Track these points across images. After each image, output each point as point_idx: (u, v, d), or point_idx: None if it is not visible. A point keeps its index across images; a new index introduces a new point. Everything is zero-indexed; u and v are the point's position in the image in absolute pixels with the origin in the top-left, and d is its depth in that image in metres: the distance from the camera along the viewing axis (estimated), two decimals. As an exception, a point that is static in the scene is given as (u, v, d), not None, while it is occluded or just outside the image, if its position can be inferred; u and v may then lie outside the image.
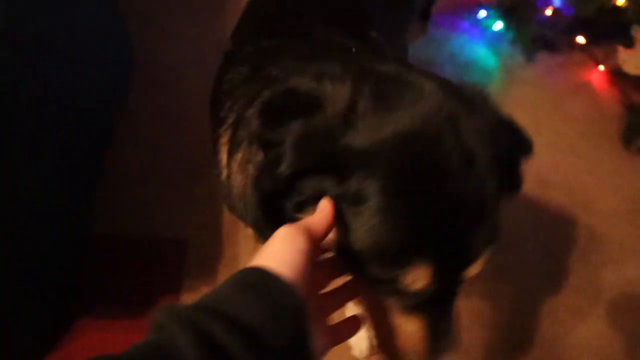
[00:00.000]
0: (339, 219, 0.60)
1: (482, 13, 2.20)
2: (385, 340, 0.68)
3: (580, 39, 2.07)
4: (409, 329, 0.65)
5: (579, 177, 1.80)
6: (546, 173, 1.79)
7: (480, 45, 2.17)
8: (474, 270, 0.62)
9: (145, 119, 1.85)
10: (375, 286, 0.64)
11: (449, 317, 0.66)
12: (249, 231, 1.11)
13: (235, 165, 0.84)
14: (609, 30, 1.98)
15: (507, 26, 2.13)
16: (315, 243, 0.57)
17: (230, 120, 0.88)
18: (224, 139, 0.90)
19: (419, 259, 0.58)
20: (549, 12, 2.02)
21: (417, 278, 0.59)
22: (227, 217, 1.66)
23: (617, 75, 1.98)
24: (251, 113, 0.80)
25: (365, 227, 0.58)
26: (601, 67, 2.06)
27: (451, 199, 0.58)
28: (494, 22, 2.16)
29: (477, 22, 2.22)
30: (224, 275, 1.58)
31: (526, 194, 1.76)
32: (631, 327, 1.55)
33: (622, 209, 1.77)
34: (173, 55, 2.02)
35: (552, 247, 1.68)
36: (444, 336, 0.66)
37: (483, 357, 1.50)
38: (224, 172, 0.90)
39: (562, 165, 1.82)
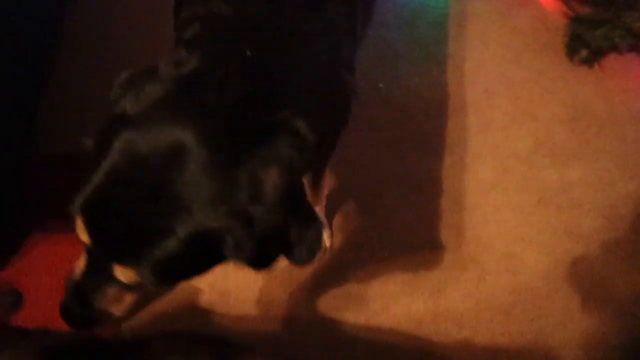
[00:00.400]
0: None
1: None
2: None
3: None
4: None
5: (524, 86, 1.85)
6: (492, 82, 1.84)
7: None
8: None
9: (85, 45, 1.83)
10: None
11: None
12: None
13: None
14: (554, -59, 1.99)
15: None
16: None
17: None
18: None
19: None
20: None
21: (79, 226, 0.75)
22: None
23: (562, -15, 2.01)
24: None
25: None
26: (547, -21, 2.09)
27: None
28: None
29: None
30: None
31: (473, 102, 1.81)
32: (571, 222, 1.64)
33: (564, 116, 1.84)
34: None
35: (499, 149, 1.75)
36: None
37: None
38: None
39: (508, 75, 1.87)
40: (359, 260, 1.59)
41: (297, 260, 0.80)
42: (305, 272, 1.54)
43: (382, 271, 1.57)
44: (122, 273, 0.73)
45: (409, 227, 1.62)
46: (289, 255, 0.79)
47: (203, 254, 0.73)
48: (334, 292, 1.55)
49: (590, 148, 1.76)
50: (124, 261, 0.71)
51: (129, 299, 0.83)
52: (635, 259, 1.59)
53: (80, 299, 0.81)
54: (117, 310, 0.83)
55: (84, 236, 0.74)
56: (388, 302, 1.53)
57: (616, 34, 1.89)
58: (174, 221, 0.67)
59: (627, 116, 1.85)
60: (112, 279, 0.75)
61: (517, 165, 1.72)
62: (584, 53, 1.93)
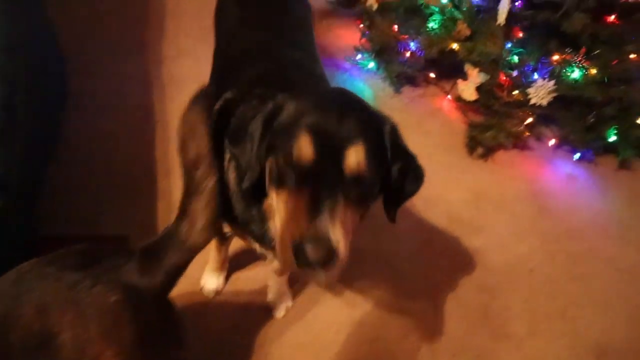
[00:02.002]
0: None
1: (359, 56, 2.78)
2: (279, 224, 0.98)
3: (432, 75, 2.70)
4: (297, 205, 0.93)
5: (436, 176, 2.30)
6: (412, 173, 2.33)
7: (358, 81, 2.74)
8: (351, 157, 0.94)
9: (82, 141, 2.17)
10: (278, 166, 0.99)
11: (338, 205, 0.93)
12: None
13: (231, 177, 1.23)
14: (451, 68, 2.61)
15: (378, 66, 2.72)
16: None
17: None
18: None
19: (304, 133, 0.96)
20: (407, 54, 2.62)
21: (303, 146, 0.94)
22: (162, 214, 2.00)
23: (459, 101, 2.61)
24: None
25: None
26: (449, 96, 2.69)
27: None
28: (368, 62, 2.74)
29: (355, 63, 2.79)
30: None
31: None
32: (479, 277, 2.07)
33: (469, 198, 2.34)
34: (105, 88, 2.38)
35: (421, 227, 2.19)
36: (326, 215, 0.90)
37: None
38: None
39: (423, 167, 2.37)
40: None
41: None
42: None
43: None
44: (355, 153, 0.94)
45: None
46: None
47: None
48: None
49: (490, 221, 2.25)
50: (356, 141, 0.95)
51: (349, 223, 0.96)
52: (532, 303, 2.02)
53: (319, 239, 0.88)
54: (348, 237, 0.94)
55: (307, 151, 0.93)
56: None
57: (502, 135, 2.46)
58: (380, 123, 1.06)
59: (515, 196, 2.38)
60: (333, 208, 0.91)
61: (437, 236, 2.16)
62: (480, 150, 2.49)
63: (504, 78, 2.42)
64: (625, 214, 2.43)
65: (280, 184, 1.00)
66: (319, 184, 0.93)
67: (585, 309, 2.03)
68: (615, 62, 2.32)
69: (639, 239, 2.33)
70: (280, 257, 0.97)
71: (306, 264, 0.90)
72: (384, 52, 2.68)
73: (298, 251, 0.90)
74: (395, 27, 2.64)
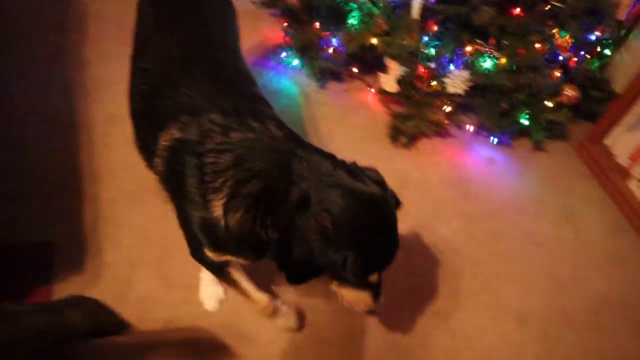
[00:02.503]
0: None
1: (284, 54, 2.83)
2: (350, 303, 1.46)
3: (355, 69, 2.79)
4: (366, 297, 1.42)
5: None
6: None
7: (285, 78, 2.80)
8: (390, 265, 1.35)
9: (6, 148, 2.14)
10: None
11: (381, 289, 1.45)
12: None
13: (233, 220, 1.28)
14: (372, 62, 2.71)
15: (302, 62, 2.78)
16: None
17: (225, 191, 1.27)
18: (220, 202, 1.28)
19: (375, 272, 1.35)
20: (330, 50, 2.70)
21: (374, 277, 1.37)
22: (88, 219, 1.98)
23: (382, 93, 2.71)
24: (248, 191, 1.26)
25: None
26: (372, 89, 2.79)
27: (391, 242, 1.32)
28: (293, 60, 2.80)
29: (281, 61, 2.84)
30: (92, 265, 1.88)
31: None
32: (406, 261, 2.17)
33: (394, 184, 2.40)
34: (27, 95, 2.32)
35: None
36: (379, 298, 1.46)
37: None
38: (221, 221, 1.29)
39: (350, 159, 2.45)
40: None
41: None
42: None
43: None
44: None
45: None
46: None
47: None
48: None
49: (415, 206, 2.35)
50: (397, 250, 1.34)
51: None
52: (456, 280, 2.13)
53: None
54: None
55: (375, 278, 1.39)
56: None
57: (423, 124, 2.58)
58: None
59: (438, 181, 2.50)
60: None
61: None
62: (403, 139, 2.60)
63: (423, 70, 2.54)
64: (540, 191, 2.61)
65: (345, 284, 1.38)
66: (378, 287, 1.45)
67: (505, 281, 2.17)
68: (522, 51, 2.47)
69: (554, 214, 2.50)
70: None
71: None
72: (307, 49, 2.74)
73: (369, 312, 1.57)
74: (317, 24, 2.71)
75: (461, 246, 2.26)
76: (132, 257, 1.95)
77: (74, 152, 2.18)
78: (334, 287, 1.41)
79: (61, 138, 2.24)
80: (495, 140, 2.74)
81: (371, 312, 1.52)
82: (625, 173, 2.68)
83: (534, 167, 2.74)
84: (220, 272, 1.65)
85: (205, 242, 1.40)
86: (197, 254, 1.51)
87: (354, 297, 1.43)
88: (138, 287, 1.87)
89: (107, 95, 2.46)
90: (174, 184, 1.41)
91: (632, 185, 2.60)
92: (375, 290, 1.44)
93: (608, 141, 2.82)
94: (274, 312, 1.75)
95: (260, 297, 1.70)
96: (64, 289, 1.79)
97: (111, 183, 2.15)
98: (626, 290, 2.27)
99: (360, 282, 1.37)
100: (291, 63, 2.80)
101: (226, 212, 1.28)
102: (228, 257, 1.48)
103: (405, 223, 2.23)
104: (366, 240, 1.25)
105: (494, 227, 2.38)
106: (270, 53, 2.88)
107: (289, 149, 1.30)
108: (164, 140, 1.38)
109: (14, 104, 2.30)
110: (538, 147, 2.83)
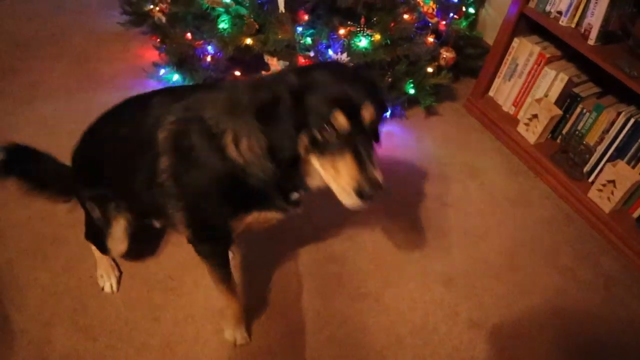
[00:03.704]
0: None
1: (162, 71, 2.73)
2: (336, 180, 1.25)
3: (238, 73, 2.74)
4: (350, 164, 1.22)
5: None
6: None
7: (168, 96, 2.69)
8: (365, 114, 1.23)
9: None
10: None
11: (369, 149, 1.25)
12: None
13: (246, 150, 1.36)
14: (253, 62, 2.67)
15: (183, 76, 2.69)
16: None
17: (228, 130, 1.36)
18: (229, 139, 1.36)
19: (336, 109, 1.21)
20: (208, 58, 2.63)
21: (341, 120, 1.21)
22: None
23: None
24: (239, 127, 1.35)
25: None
26: (260, 89, 2.74)
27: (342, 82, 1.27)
28: (172, 75, 2.70)
29: (160, 78, 2.74)
30: (0, 336, 1.73)
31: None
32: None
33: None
34: None
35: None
36: (366, 167, 1.22)
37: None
38: (240, 160, 1.37)
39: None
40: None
41: None
42: None
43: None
44: (367, 110, 1.23)
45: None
46: None
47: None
48: None
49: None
50: (365, 100, 1.23)
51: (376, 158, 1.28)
52: (379, 259, 2.15)
53: (370, 180, 1.22)
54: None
55: (343, 121, 1.21)
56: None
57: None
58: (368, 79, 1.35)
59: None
60: (368, 154, 1.24)
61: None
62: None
63: (303, 60, 2.53)
64: (441, 154, 2.70)
65: (321, 151, 1.25)
66: (355, 143, 1.23)
67: (426, 248, 2.22)
68: (392, 24, 2.53)
69: (458, 172, 2.60)
70: (344, 198, 1.25)
71: (366, 199, 1.21)
72: (184, 61, 2.66)
73: (359, 193, 1.21)
74: (189, 35, 2.63)
75: (377, 223, 2.28)
76: (45, 317, 1.81)
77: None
78: (316, 162, 1.29)
79: None
80: (389, 113, 2.80)
81: (363, 195, 1.21)
82: (513, 119, 2.83)
83: (430, 132, 2.83)
84: (225, 266, 1.67)
85: (230, 201, 1.46)
86: (220, 231, 1.54)
87: (336, 167, 1.25)
88: (58, 346, 1.75)
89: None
90: (186, 169, 1.44)
91: (521, 129, 2.74)
92: (355, 150, 1.23)
93: (492, 93, 2.97)
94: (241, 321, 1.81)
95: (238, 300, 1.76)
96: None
97: (4, 245, 1.99)
98: (535, 227, 2.40)
99: (321, 124, 1.23)
100: (171, 79, 2.70)
101: (236, 145, 1.36)
102: (254, 215, 1.51)
103: (317, 215, 2.25)
104: (317, 81, 1.26)
105: (405, 195, 2.43)
106: (147, 73, 2.77)
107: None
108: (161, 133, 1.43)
109: None
110: (430, 112, 2.93)
